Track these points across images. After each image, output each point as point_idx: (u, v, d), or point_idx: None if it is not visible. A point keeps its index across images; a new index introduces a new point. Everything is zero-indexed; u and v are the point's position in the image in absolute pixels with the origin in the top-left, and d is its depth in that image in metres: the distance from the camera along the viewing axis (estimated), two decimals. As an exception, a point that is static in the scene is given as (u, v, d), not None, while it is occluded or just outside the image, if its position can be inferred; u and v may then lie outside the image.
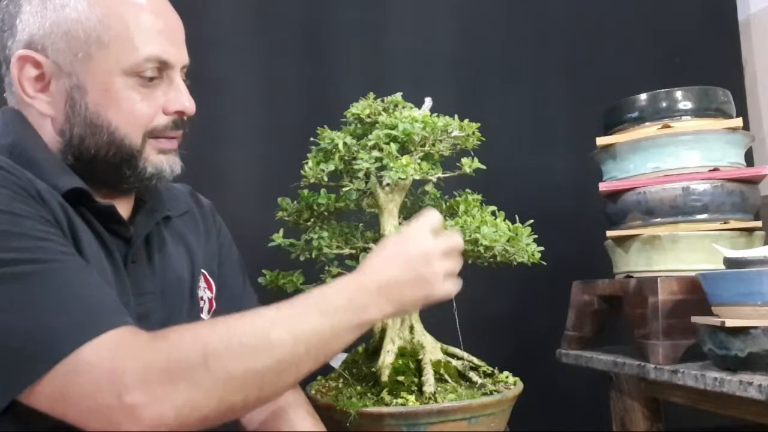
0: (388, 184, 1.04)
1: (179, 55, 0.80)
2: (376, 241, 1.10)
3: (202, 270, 0.92)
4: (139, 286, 0.80)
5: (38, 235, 0.66)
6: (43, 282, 0.64)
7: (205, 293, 0.92)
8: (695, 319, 1.10)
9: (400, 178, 0.99)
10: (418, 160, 1.06)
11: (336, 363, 1.15)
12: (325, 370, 1.14)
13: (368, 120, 1.11)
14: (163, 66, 0.78)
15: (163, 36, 0.77)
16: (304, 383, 1.09)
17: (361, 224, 1.15)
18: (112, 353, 0.62)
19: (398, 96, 1.15)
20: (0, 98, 0.84)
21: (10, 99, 0.81)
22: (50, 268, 0.65)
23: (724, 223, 1.26)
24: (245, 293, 1.01)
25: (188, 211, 0.95)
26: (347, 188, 1.07)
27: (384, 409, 0.92)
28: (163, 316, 0.81)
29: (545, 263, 1.03)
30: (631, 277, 1.31)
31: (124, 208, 0.83)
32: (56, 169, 0.75)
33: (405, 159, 1.01)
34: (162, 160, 0.81)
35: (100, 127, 0.76)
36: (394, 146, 1.03)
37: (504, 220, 1.03)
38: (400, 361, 1.02)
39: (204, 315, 0.91)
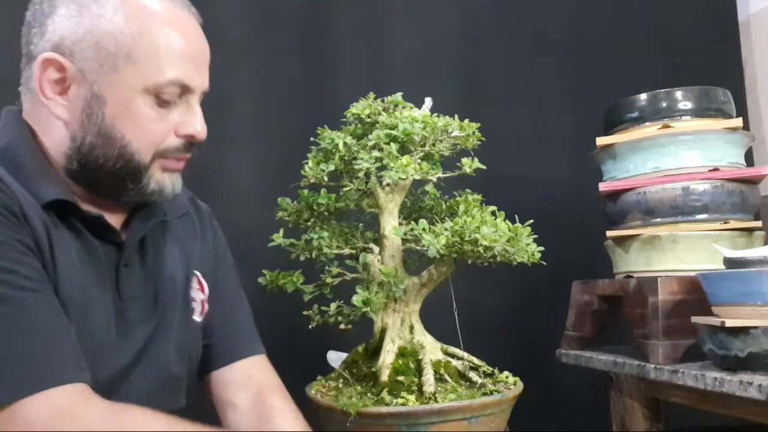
0: (388, 184, 1.04)
1: (202, 81, 0.81)
2: (376, 241, 1.11)
3: (195, 271, 0.93)
4: (131, 290, 0.81)
5: (5, 266, 0.67)
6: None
7: (198, 294, 0.93)
8: (695, 319, 1.10)
9: (400, 178, 0.99)
10: (418, 160, 1.06)
11: (336, 363, 1.15)
12: (326, 370, 1.14)
13: (368, 120, 1.12)
14: (184, 90, 0.78)
15: (189, 61, 0.78)
16: (304, 383, 1.09)
17: (361, 224, 1.15)
18: (50, 417, 0.62)
19: (398, 96, 1.15)
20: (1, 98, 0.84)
21: (24, 92, 0.81)
22: (9, 308, 0.65)
23: (724, 223, 1.26)
24: (237, 299, 1.01)
25: (186, 213, 0.96)
26: (347, 188, 1.07)
27: (384, 409, 0.92)
28: (155, 319, 0.82)
29: (545, 263, 1.03)
30: (631, 277, 1.31)
31: (119, 213, 0.84)
32: (43, 178, 0.75)
33: (405, 159, 1.01)
34: (165, 178, 0.81)
35: (112, 139, 0.76)
36: (394, 146, 1.03)
37: (504, 220, 1.03)
38: (400, 361, 1.02)
39: (196, 317, 0.92)
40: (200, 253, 0.95)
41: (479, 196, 1.14)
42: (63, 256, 0.73)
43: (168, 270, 0.87)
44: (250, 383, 0.94)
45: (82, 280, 0.74)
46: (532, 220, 1.05)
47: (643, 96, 1.34)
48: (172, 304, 0.86)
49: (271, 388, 0.95)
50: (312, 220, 1.14)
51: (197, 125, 0.81)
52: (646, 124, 1.33)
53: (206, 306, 0.94)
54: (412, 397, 0.94)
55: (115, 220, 0.82)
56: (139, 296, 0.82)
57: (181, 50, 0.77)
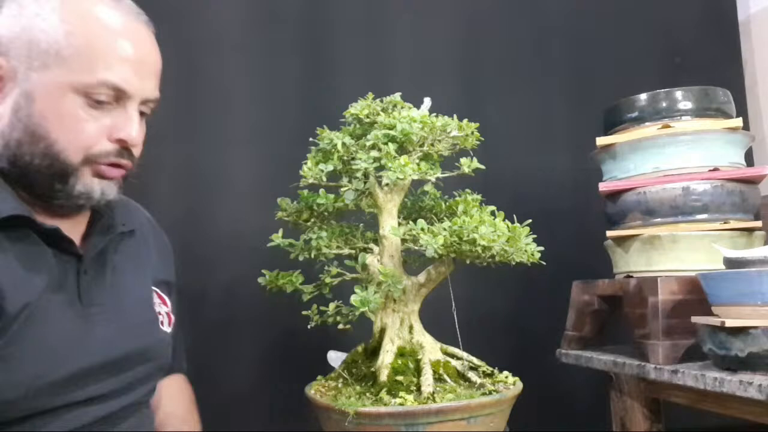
0: (386, 184, 1.04)
1: (141, 88, 0.80)
2: (375, 241, 1.10)
3: (154, 288, 0.95)
4: (90, 297, 0.81)
5: None
6: None
7: (161, 308, 0.94)
8: (695, 319, 1.10)
9: (398, 178, 0.99)
10: (417, 160, 1.06)
11: (336, 363, 1.15)
12: (325, 369, 1.14)
13: (367, 120, 1.11)
14: (119, 94, 0.78)
15: (128, 66, 0.78)
16: (304, 383, 1.09)
17: (360, 224, 1.15)
18: None
19: (397, 96, 1.15)
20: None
21: None
22: None
23: (724, 223, 1.26)
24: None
25: (140, 228, 0.97)
26: (346, 188, 1.07)
27: (383, 409, 0.92)
28: (114, 327, 0.82)
29: (545, 263, 1.03)
30: (631, 277, 1.31)
31: (79, 224, 0.85)
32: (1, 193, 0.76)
33: (403, 159, 1.01)
34: (95, 183, 0.80)
35: (38, 137, 0.76)
36: (392, 146, 1.03)
37: (503, 220, 1.03)
38: (400, 361, 1.02)
39: (165, 328, 0.94)
40: (158, 267, 0.97)
41: (479, 196, 1.14)
42: (11, 272, 0.73)
43: (127, 283, 0.88)
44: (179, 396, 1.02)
45: (29, 285, 0.74)
46: (530, 220, 1.05)
47: (643, 96, 1.34)
48: (132, 316, 0.87)
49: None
50: (312, 220, 1.14)
51: (131, 131, 0.80)
52: (646, 124, 1.33)
53: (172, 317, 0.97)
54: (410, 397, 0.94)
55: (73, 231, 0.83)
56: (96, 304, 0.82)
57: (119, 54, 0.77)
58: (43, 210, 0.81)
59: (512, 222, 1.03)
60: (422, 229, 1.02)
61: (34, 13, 0.76)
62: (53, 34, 0.75)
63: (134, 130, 0.80)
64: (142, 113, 0.83)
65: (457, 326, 1.10)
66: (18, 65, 0.75)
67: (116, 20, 0.78)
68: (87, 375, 0.78)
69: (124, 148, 0.80)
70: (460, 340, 1.10)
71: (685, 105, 1.31)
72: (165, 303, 0.96)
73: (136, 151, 0.83)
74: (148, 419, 0.93)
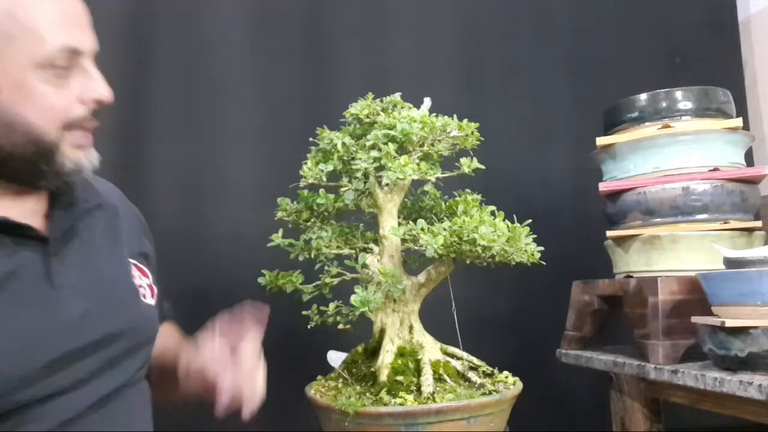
0: (387, 184, 1.04)
1: (89, 41, 0.77)
2: (375, 241, 1.11)
3: (132, 260, 0.92)
4: (60, 279, 0.77)
5: None
6: None
7: (142, 280, 0.91)
8: (695, 319, 1.10)
9: (398, 178, 0.99)
10: (417, 160, 1.06)
11: (336, 363, 1.15)
12: (326, 369, 1.14)
13: (367, 120, 1.12)
14: (74, 54, 0.75)
15: (70, 24, 0.75)
16: (304, 383, 1.09)
17: (360, 224, 1.15)
18: None
19: (397, 96, 1.15)
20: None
21: None
22: None
23: (724, 223, 1.26)
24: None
25: (108, 201, 0.93)
26: (346, 188, 1.07)
27: (382, 409, 0.92)
28: (89, 306, 0.79)
29: (545, 263, 1.03)
30: (631, 277, 1.31)
31: (38, 204, 0.81)
32: None
33: (403, 159, 1.01)
34: (80, 155, 0.78)
35: (14, 125, 0.73)
36: (392, 146, 1.03)
37: (503, 220, 1.03)
38: (400, 361, 1.02)
39: (148, 300, 0.91)
40: (132, 240, 0.94)
41: (479, 196, 1.14)
42: None
43: (102, 258, 0.85)
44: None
45: (6, 277, 0.72)
46: (530, 220, 1.05)
47: (643, 96, 1.34)
48: (108, 292, 0.83)
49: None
50: (312, 220, 1.14)
51: (101, 88, 0.77)
52: (646, 124, 1.33)
53: (155, 289, 0.94)
54: (410, 397, 0.94)
55: (31, 214, 0.79)
56: (72, 284, 0.78)
57: (60, 15, 0.74)
58: (12, 194, 0.77)
59: (512, 222, 1.03)
60: (422, 229, 1.02)
61: None
62: None
63: (103, 86, 0.78)
64: None
65: (457, 326, 1.10)
66: None
67: None
68: (67, 359, 0.75)
69: (97, 107, 0.78)
70: (460, 340, 1.10)
71: (685, 105, 1.31)
72: (145, 275, 0.93)
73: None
74: (144, 398, 0.90)
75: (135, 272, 0.91)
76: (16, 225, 0.76)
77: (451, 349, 1.09)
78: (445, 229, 1.00)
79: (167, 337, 1.03)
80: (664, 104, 1.32)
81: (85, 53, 0.77)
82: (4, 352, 0.70)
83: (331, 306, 1.05)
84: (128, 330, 0.85)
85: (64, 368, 0.75)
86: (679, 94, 1.32)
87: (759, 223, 1.29)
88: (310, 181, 1.07)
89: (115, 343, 0.82)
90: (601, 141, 1.37)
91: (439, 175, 1.07)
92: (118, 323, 0.83)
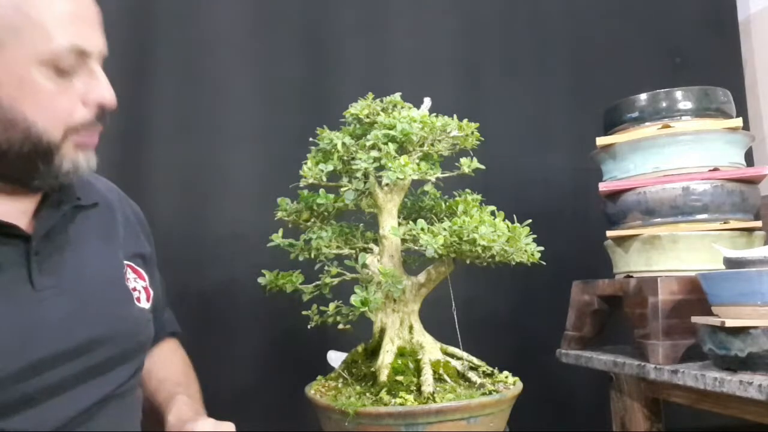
0: (387, 184, 1.04)
1: (98, 43, 0.75)
2: (375, 241, 1.10)
3: (127, 262, 0.89)
4: (42, 279, 0.75)
5: None
6: None
7: (137, 283, 0.89)
8: (695, 319, 1.10)
9: (398, 178, 0.99)
10: (417, 160, 1.06)
11: (336, 363, 1.15)
12: (325, 369, 1.14)
13: (367, 120, 1.11)
14: (81, 55, 0.73)
15: (81, 23, 0.73)
16: (304, 383, 1.09)
17: (360, 224, 1.15)
18: None
19: (397, 96, 1.15)
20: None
21: None
22: None
23: (724, 223, 1.26)
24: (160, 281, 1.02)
25: (105, 201, 0.91)
26: (346, 188, 1.07)
27: (382, 409, 0.92)
28: (72, 309, 0.76)
29: (545, 263, 1.03)
30: (631, 277, 1.31)
31: (30, 204, 0.79)
32: None
33: (403, 159, 1.01)
34: (79, 156, 0.76)
35: (14, 122, 0.70)
36: (392, 146, 1.03)
37: (503, 220, 1.03)
38: (400, 361, 1.02)
39: (143, 304, 0.88)
40: (129, 240, 0.91)
41: (479, 196, 1.14)
42: None
43: (92, 259, 0.82)
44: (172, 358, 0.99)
45: None
46: (530, 220, 1.05)
47: (643, 96, 1.34)
48: (96, 293, 0.80)
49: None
50: (312, 220, 1.14)
51: (104, 92, 0.75)
52: (646, 124, 1.33)
53: (151, 291, 0.91)
54: (410, 397, 0.94)
55: (21, 213, 0.78)
56: (55, 285, 0.76)
57: (70, 13, 0.72)
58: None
59: (512, 222, 1.03)
60: (422, 229, 1.02)
61: None
62: (2, 10, 0.69)
63: (107, 90, 0.76)
64: None
65: (457, 326, 1.10)
66: None
67: None
68: (44, 364, 0.72)
69: (101, 111, 0.77)
70: (460, 340, 1.10)
71: (685, 105, 1.31)
72: (141, 277, 0.91)
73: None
74: (133, 412, 0.87)
75: (130, 274, 0.88)
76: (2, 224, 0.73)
77: (451, 349, 1.09)
78: (445, 229, 1.00)
79: (167, 368, 1.00)
80: (664, 104, 1.32)
81: (92, 54, 0.75)
82: None
83: (331, 306, 1.05)
84: (116, 335, 0.81)
85: (40, 374, 0.71)
86: (679, 94, 1.32)
87: (759, 223, 1.29)
88: (310, 181, 1.06)
89: (100, 349, 0.78)
90: (601, 141, 1.37)
91: (439, 175, 1.07)
92: (104, 328, 0.79)
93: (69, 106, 0.73)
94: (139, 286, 0.90)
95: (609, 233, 1.35)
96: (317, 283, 1.11)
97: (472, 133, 1.10)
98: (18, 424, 0.70)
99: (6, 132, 0.71)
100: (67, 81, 0.73)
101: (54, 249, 0.78)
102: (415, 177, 1.03)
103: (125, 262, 0.89)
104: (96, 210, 0.87)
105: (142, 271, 0.92)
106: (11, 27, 0.69)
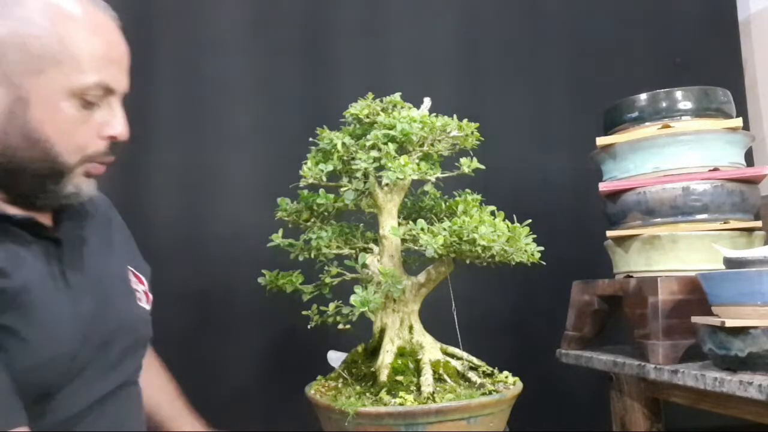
0: (387, 184, 1.04)
1: (123, 83, 0.83)
2: (375, 241, 1.11)
3: (128, 266, 0.96)
4: (72, 278, 0.82)
5: None
6: None
7: (138, 286, 0.95)
8: (695, 319, 1.10)
9: (398, 178, 0.99)
10: (417, 160, 1.06)
11: (336, 363, 1.15)
12: (326, 369, 1.14)
13: (367, 120, 1.12)
14: (107, 92, 0.80)
15: (112, 64, 0.80)
16: (304, 383, 1.09)
17: (360, 224, 1.15)
18: None
19: (397, 96, 1.15)
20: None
21: None
22: None
23: (724, 223, 1.25)
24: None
25: (102, 210, 0.98)
26: (346, 188, 1.07)
27: (382, 409, 0.92)
28: (96, 305, 0.83)
29: (545, 263, 1.03)
30: (631, 277, 1.31)
31: (43, 212, 0.85)
32: None
33: (403, 159, 1.01)
34: (83, 182, 0.82)
35: (35, 142, 0.77)
36: (392, 146, 1.03)
37: (503, 220, 1.03)
38: (400, 361, 1.02)
39: (144, 305, 0.95)
40: (125, 247, 0.99)
41: (479, 196, 1.14)
42: (8, 264, 0.74)
43: (102, 261, 0.89)
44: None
45: (24, 266, 0.76)
46: (530, 220, 1.05)
47: (643, 96, 1.34)
48: (112, 294, 0.88)
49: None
50: (312, 220, 1.14)
51: (119, 126, 0.82)
52: (646, 124, 1.33)
53: (150, 295, 0.98)
54: (410, 397, 0.94)
55: (41, 217, 0.83)
56: (81, 284, 0.83)
57: (104, 53, 0.79)
58: (14, 204, 0.81)
59: (512, 222, 1.03)
60: (422, 229, 1.02)
61: (23, 17, 0.76)
62: (46, 38, 0.75)
63: (121, 125, 0.82)
64: None
65: (457, 326, 1.10)
66: (8, 70, 0.75)
67: (96, 20, 0.80)
68: (81, 352, 0.79)
69: (112, 143, 0.83)
70: (460, 340, 1.10)
71: (685, 105, 1.31)
72: (141, 281, 0.97)
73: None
74: (138, 400, 0.94)
75: (131, 278, 0.95)
76: (39, 225, 0.81)
77: (451, 349, 1.09)
78: (445, 229, 1.00)
79: (159, 393, 1.07)
80: (664, 104, 1.32)
81: (116, 92, 0.82)
82: (43, 336, 0.74)
83: (331, 306, 1.05)
84: (127, 328, 0.88)
85: (77, 363, 0.78)
86: (679, 94, 1.32)
87: (759, 223, 1.29)
88: (310, 181, 1.06)
89: (119, 339, 0.86)
90: (601, 141, 1.37)
91: (439, 175, 1.07)
92: (120, 322, 0.87)
93: (87, 136, 0.80)
94: (140, 288, 0.96)
95: (609, 233, 1.35)
96: (317, 283, 1.11)
97: (472, 133, 1.10)
98: (48, 407, 0.76)
99: (28, 150, 0.77)
100: (90, 113, 0.79)
101: (77, 252, 0.86)
102: (415, 177, 1.03)
103: (127, 266, 0.96)
104: (95, 219, 0.94)
105: (142, 277, 0.98)
106: (52, 56, 0.76)
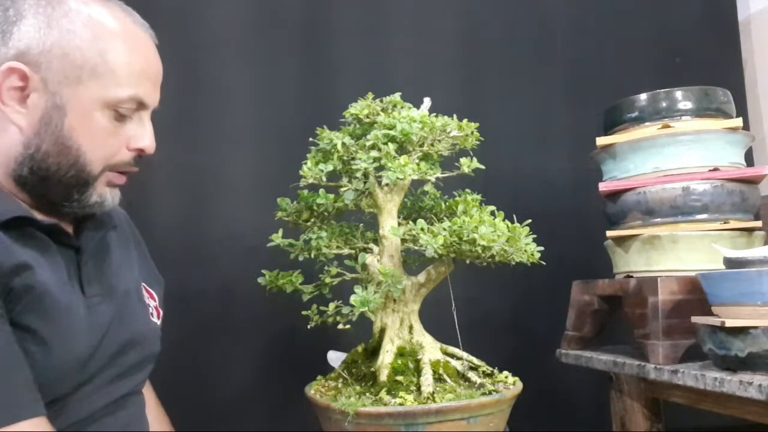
0: (386, 184, 1.04)
1: (155, 99, 0.86)
2: (375, 241, 1.11)
3: (142, 282, 0.97)
4: (90, 287, 0.83)
5: None
6: None
7: (150, 302, 0.97)
8: (695, 319, 1.10)
9: (398, 178, 0.99)
10: (417, 160, 1.06)
11: (336, 363, 1.15)
12: (325, 369, 1.14)
13: (367, 120, 1.12)
14: (139, 106, 0.83)
15: (147, 79, 0.83)
16: (304, 383, 1.09)
17: (360, 224, 1.15)
18: None
19: (397, 96, 1.15)
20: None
21: None
22: None
23: (724, 223, 1.26)
24: None
25: (120, 223, 1.00)
26: (346, 188, 1.07)
27: (382, 409, 0.92)
28: (111, 316, 0.85)
29: (545, 263, 1.03)
30: (631, 277, 1.31)
31: (67, 221, 0.87)
32: None
33: (403, 159, 1.01)
34: (107, 192, 0.85)
35: (69, 149, 0.79)
36: (392, 146, 1.03)
37: (503, 220, 1.03)
38: (399, 361, 1.02)
39: (155, 320, 0.97)
40: (141, 265, 1.00)
41: (479, 196, 1.14)
42: (35, 263, 0.75)
43: (118, 273, 0.91)
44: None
45: (46, 269, 0.77)
46: (530, 220, 1.05)
47: (643, 96, 1.34)
48: (128, 305, 0.90)
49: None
50: (312, 220, 1.14)
51: (147, 140, 0.85)
52: (646, 124, 1.33)
53: (161, 311, 0.99)
54: (410, 397, 0.94)
55: (66, 226, 0.86)
56: (99, 293, 0.85)
57: (141, 69, 0.82)
58: (37, 210, 0.83)
59: (512, 222, 1.03)
60: (422, 229, 1.02)
61: (67, 29, 0.78)
62: (88, 50, 0.78)
63: (149, 139, 0.85)
64: None
65: (457, 326, 1.10)
66: (49, 78, 0.77)
67: (135, 36, 0.83)
68: (93, 361, 0.80)
69: (139, 156, 0.86)
70: (460, 340, 1.10)
71: (685, 105, 1.31)
72: (153, 297, 0.99)
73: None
74: (142, 406, 0.95)
75: (143, 293, 0.97)
76: (63, 232, 0.83)
77: (451, 349, 1.09)
78: (445, 229, 1.00)
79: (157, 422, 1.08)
80: (664, 104, 1.32)
81: (148, 107, 0.86)
82: (60, 338, 0.75)
83: (331, 306, 1.05)
84: (139, 341, 0.90)
85: (87, 372, 0.80)
86: (679, 94, 1.32)
87: (759, 223, 1.29)
88: (310, 181, 1.06)
89: (131, 352, 0.88)
90: (601, 141, 1.37)
91: (439, 175, 1.07)
92: (131, 333, 0.88)
93: (116, 146, 0.83)
94: (151, 304, 0.98)
95: (609, 233, 1.35)
96: (317, 283, 1.11)
97: (472, 133, 1.10)
98: (62, 409, 0.77)
99: (58, 156, 0.79)
100: (121, 125, 0.82)
101: (96, 261, 0.87)
102: (415, 177, 1.03)
103: (141, 281, 0.98)
104: (114, 231, 0.96)
105: (153, 293, 1.00)
106: (92, 68, 0.78)
